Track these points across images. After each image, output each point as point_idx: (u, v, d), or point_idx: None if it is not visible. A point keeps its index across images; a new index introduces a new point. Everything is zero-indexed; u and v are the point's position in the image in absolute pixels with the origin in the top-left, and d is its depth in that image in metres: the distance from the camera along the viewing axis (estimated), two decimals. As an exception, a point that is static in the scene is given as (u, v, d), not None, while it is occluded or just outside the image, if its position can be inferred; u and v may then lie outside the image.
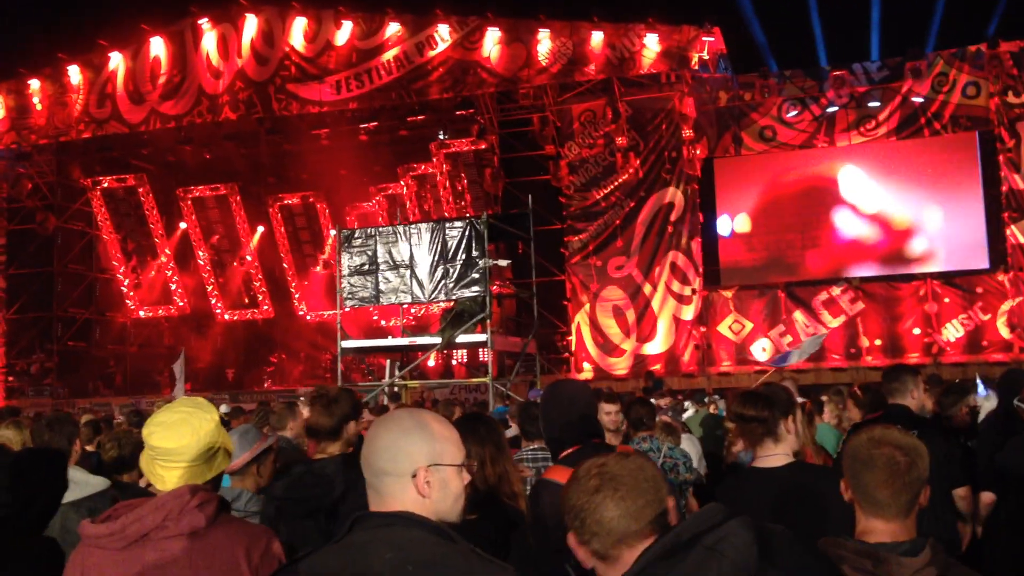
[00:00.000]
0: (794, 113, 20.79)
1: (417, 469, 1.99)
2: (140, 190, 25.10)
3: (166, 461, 2.49)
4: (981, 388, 7.68)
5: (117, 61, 22.55)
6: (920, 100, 19.89)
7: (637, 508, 1.92)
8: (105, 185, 25.07)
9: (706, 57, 19.16)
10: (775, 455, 3.45)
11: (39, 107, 22.89)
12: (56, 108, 22.73)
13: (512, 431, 7.23)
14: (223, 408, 10.47)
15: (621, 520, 1.91)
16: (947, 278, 19.87)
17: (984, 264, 19.89)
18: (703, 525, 1.87)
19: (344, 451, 3.85)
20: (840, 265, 20.73)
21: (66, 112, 22.67)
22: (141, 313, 25.88)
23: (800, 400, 4.66)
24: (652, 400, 8.09)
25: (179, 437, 2.48)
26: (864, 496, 2.39)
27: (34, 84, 23.00)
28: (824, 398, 7.75)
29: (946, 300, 19.69)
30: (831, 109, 20.52)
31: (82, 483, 3.51)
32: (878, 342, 19.90)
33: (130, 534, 2.36)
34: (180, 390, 18.03)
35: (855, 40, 21.37)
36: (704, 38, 18.96)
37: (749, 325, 20.58)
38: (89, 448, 6.19)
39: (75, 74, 22.73)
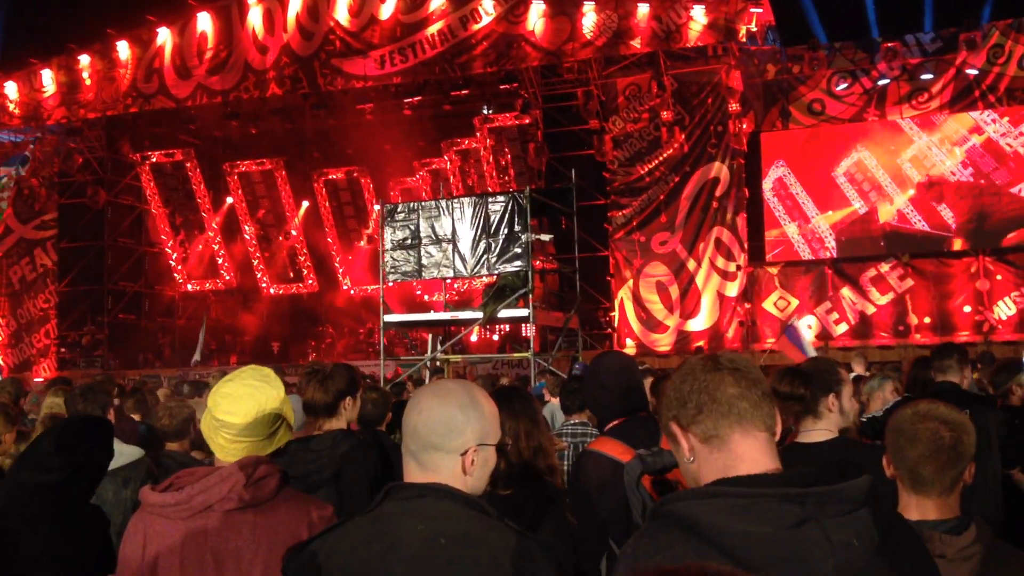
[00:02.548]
0: (844, 86, 20.42)
1: (468, 448, 1.99)
2: (187, 165, 25.39)
3: (229, 433, 2.49)
4: None
5: (165, 36, 22.76)
6: (975, 72, 19.43)
7: (755, 396, 1.77)
8: (154, 160, 25.38)
9: (754, 29, 18.82)
10: (815, 431, 3.39)
11: (88, 82, 23.20)
12: (104, 83, 23.03)
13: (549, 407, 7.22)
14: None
15: (738, 400, 1.76)
16: (1000, 255, 19.45)
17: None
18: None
19: (342, 427, 3.81)
20: (889, 241, 20.35)
21: (114, 87, 22.95)
22: (189, 287, 26.25)
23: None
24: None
25: (244, 412, 2.47)
26: (907, 472, 2.34)
27: (84, 60, 23.28)
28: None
29: (998, 277, 19.29)
30: (882, 82, 20.11)
31: (116, 453, 3.55)
32: (927, 320, 19.56)
33: (195, 504, 2.36)
34: (197, 355, 18.95)
35: (907, 11, 20.87)
36: (752, 9, 18.61)
37: (795, 302, 20.33)
38: (135, 417, 6.29)
39: (124, 49, 22.97)
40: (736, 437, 1.75)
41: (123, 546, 2.42)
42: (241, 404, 2.48)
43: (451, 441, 1.98)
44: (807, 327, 9.69)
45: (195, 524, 2.36)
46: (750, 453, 1.75)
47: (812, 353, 8.11)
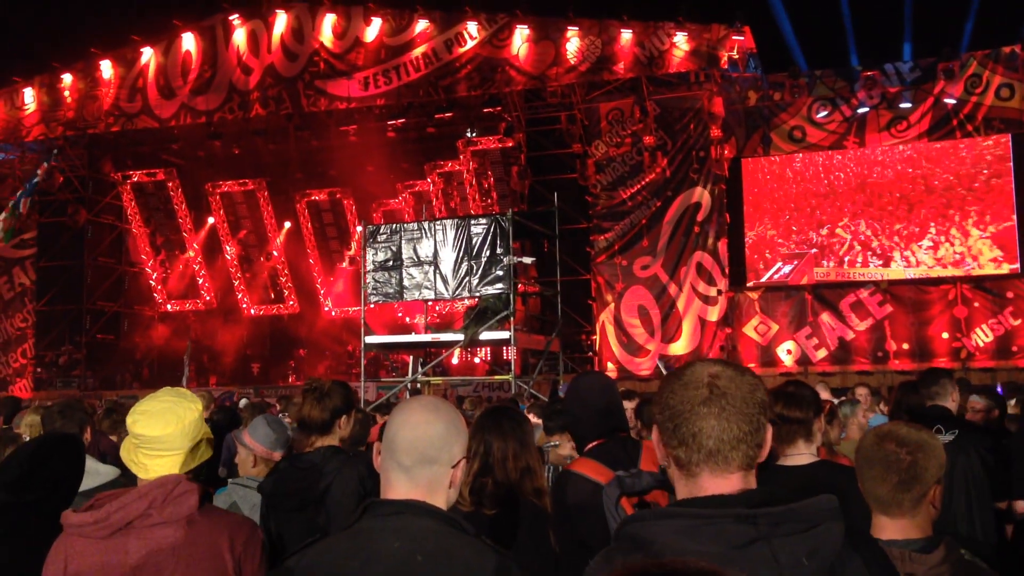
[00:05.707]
0: (824, 114, 20.60)
1: (458, 460, 2.04)
2: (169, 184, 25.32)
3: (149, 449, 2.49)
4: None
5: (148, 56, 22.76)
6: (953, 102, 19.65)
7: (739, 432, 1.71)
8: (135, 179, 25.30)
9: (736, 56, 19.01)
10: (803, 454, 3.41)
11: (69, 100, 23.13)
12: (86, 102, 22.97)
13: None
14: (242, 403, 10.45)
15: (714, 439, 1.71)
16: (977, 282, 19.62)
17: (1015, 268, 19.63)
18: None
19: (333, 444, 3.76)
20: (868, 267, 20.50)
21: (96, 105, 22.90)
22: (169, 307, 26.09)
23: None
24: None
25: (163, 425, 2.48)
26: (867, 492, 2.38)
27: (66, 79, 23.23)
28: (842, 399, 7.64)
29: (976, 304, 19.45)
30: (862, 110, 20.31)
31: (92, 472, 3.49)
32: (906, 346, 19.68)
33: (114, 522, 2.35)
34: (184, 381, 18.77)
35: (887, 40, 21.08)
36: (734, 37, 18.82)
37: (775, 327, 20.42)
38: (114, 438, 6.23)
39: (107, 69, 22.95)
40: (706, 475, 1.73)
41: (45, 568, 2.40)
42: (159, 418, 2.49)
43: (450, 453, 2.02)
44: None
45: (114, 542, 2.35)
46: (717, 489, 1.73)
47: None
